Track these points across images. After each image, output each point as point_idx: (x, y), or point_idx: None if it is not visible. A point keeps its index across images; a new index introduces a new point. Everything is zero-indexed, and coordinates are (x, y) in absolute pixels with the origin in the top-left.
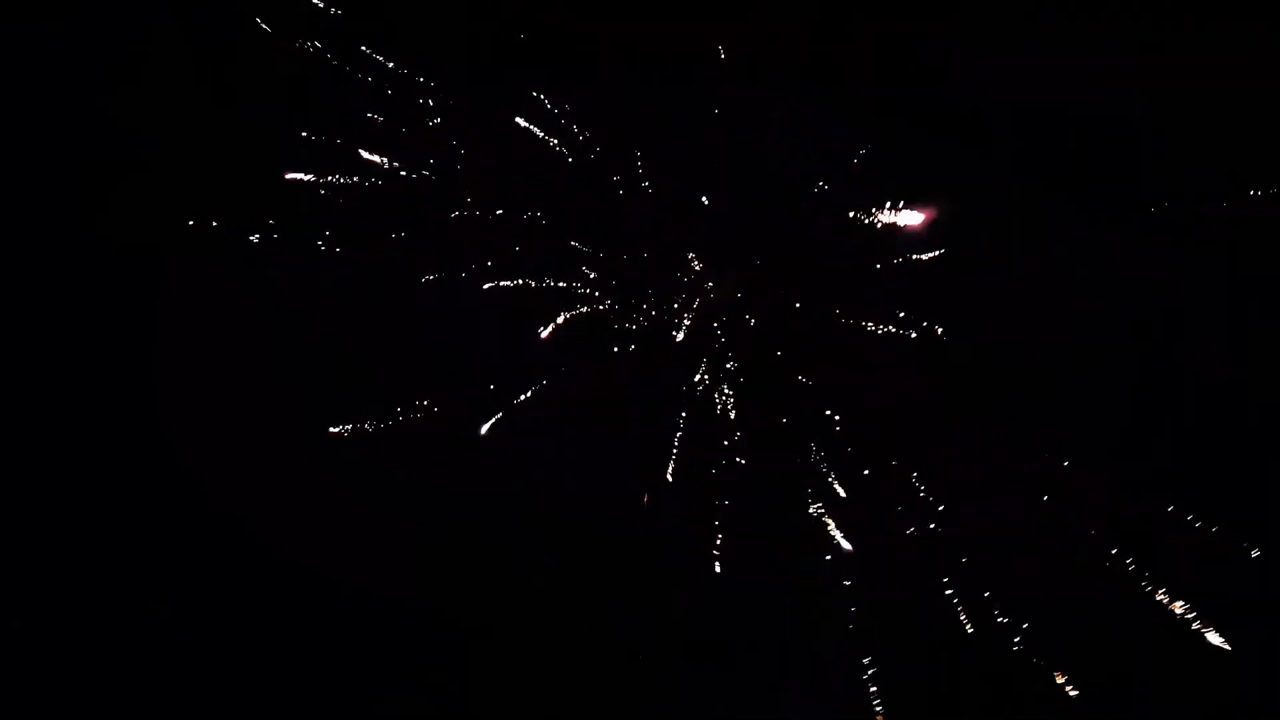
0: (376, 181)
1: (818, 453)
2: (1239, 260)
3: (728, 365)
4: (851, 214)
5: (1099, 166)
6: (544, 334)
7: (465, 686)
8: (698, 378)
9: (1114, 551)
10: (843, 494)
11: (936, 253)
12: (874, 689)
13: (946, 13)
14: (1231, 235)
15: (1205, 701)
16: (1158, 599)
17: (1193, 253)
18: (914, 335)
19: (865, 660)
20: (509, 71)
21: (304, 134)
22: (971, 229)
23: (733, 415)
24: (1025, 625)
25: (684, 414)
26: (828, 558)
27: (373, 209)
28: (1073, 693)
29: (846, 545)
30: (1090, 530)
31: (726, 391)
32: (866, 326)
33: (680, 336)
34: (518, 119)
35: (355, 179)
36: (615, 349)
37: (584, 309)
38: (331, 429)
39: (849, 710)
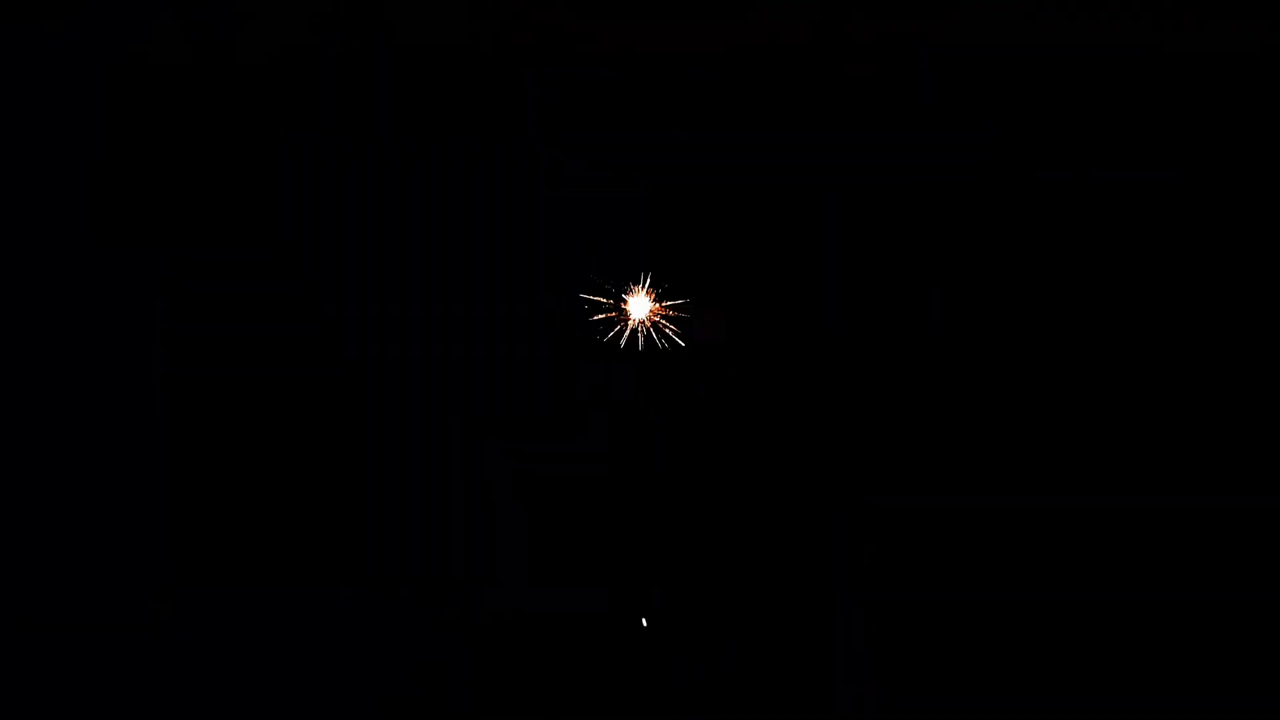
0: (377, 181)
1: (817, 451)
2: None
3: (727, 364)
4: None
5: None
6: (543, 332)
7: (465, 686)
8: (696, 377)
9: (1113, 551)
10: (842, 493)
11: (936, 252)
12: (874, 688)
13: (946, 13)
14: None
15: (1205, 700)
16: (1154, 597)
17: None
18: (914, 335)
19: (865, 659)
20: (510, 71)
21: (304, 134)
22: (971, 228)
23: (732, 414)
24: (1025, 625)
25: (683, 413)
26: (828, 556)
27: (373, 209)
28: (1071, 692)
29: (847, 544)
30: (1092, 527)
31: (726, 390)
32: (868, 326)
33: (680, 335)
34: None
35: (355, 179)
36: (614, 347)
37: (583, 307)
38: (331, 427)
39: (851, 710)
